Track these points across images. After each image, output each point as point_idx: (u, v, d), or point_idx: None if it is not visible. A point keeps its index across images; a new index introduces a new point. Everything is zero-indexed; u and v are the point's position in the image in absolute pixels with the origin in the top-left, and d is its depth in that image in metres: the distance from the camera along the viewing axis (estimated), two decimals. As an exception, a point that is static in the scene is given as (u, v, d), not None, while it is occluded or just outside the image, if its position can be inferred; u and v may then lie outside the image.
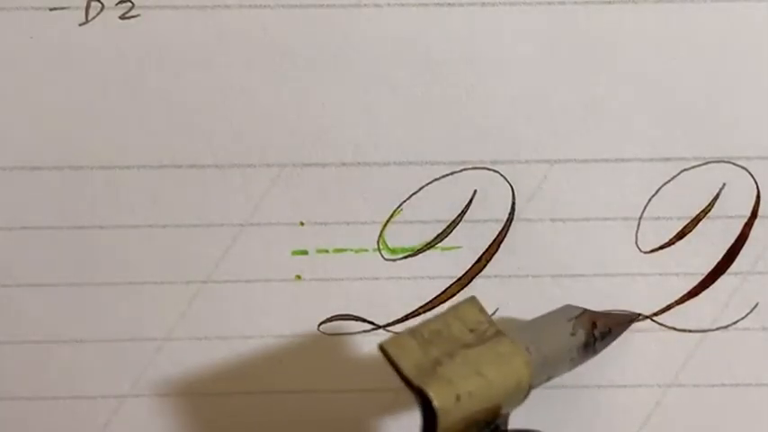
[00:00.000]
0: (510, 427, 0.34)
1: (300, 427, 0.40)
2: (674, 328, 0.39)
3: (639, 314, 0.39)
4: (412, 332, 0.33)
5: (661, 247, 0.39)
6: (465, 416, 0.32)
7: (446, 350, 0.33)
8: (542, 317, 0.37)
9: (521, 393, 0.33)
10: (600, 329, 0.36)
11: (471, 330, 0.34)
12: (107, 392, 0.39)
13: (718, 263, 0.39)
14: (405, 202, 0.39)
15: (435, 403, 0.31)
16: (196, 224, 0.39)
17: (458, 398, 0.32)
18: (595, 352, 0.37)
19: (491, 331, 0.34)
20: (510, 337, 0.34)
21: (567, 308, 0.37)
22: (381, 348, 0.32)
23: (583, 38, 0.38)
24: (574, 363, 0.36)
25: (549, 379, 0.35)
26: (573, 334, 0.36)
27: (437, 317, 0.34)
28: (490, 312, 0.39)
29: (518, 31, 0.38)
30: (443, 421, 0.31)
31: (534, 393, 0.37)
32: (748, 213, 0.39)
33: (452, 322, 0.34)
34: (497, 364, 0.33)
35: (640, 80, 0.38)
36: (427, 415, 0.32)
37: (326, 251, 0.39)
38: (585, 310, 0.37)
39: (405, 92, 0.38)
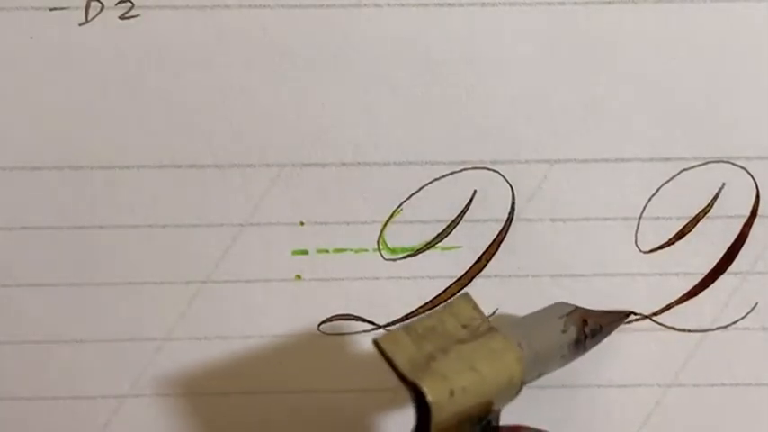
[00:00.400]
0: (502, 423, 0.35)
1: (300, 426, 0.40)
2: (674, 328, 0.39)
3: (631, 312, 0.39)
4: (406, 328, 0.33)
5: (661, 247, 0.39)
6: (458, 411, 0.32)
7: (440, 346, 0.33)
8: (534, 314, 0.37)
9: (513, 389, 0.34)
10: (591, 327, 0.37)
11: (464, 326, 0.34)
12: (107, 392, 0.39)
13: (718, 263, 0.39)
14: (405, 202, 0.39)
15: (429, 398, 0.31)
16: (196, 224, 0.39)
17: (451, 393, 0.32)
18: (586, 349, 0.37)
19: (484, 327, 0.34)
20: (502, 333, 0.34)
21: (559, 305, 0.37)
22: (376, 344, 0.33)
23: (583, 38, 0.38)
24: (565, 359, 0.36)
25: (540, 375, 0.35)
26: (564, 331, 0.36)
27: (431, 313, 0.34)
28: (490, 312, 0.39)
29: (518, 31, 0.38)
30: (437, 416, 0.32)
31: (534, 393, 0.38)
32: (748, 213, 0.39)
33: (446, 318, 0.34)
34: (490, 359, 0.33)
35: (640, 80, 0.38)
36: (421, 410, 0.32)
37: (326, 251, 0.39)
38: (577, 308, 0.37)
39: (405, 92, 0.38)
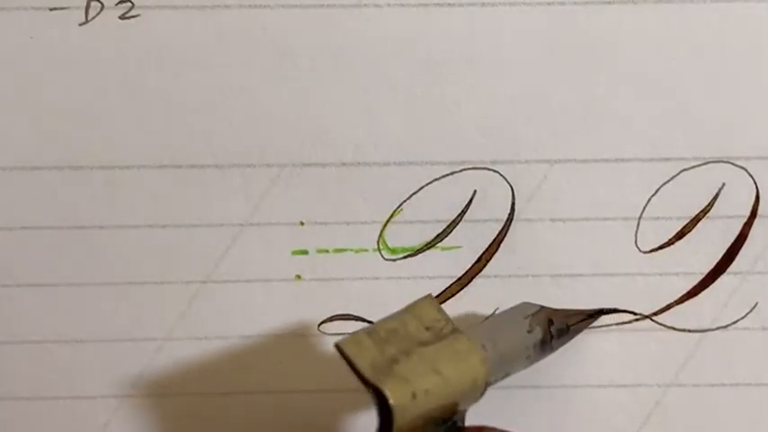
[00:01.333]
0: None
1: (300, 427, 0.40)
2: (674, 328, 0.39)
3: (601, 310, 0.39)
4: (368, 331, 0.33)
5: (661, 247, 0.39)
6: (421, 413, 0.32)
7: (402, 348, 0.33)
8: (499, 314, 0.37)
9: (477, 391, 0.34)
10: (557, 326, 0.36)
11: (428, 328, 0.34)
12: (107, 392, 0.39)
13: (718, 263, 0.39)
14: (405, 202, 0.39)
15: (391, 401, 0.31)
16: (196, 224, 0.39)
17: (414, 395, 0.32)
18: (552, 349, 0.36)
19: (447, 329, 0.34)
20: (466, 334, 0.34)
21: (525, 305, 0.37)
22: (338, 348, 0.33)
23: (583, 38, 0.38)
24: (530, 360, 0.36)
25: (506, 376, 0.35)
26: (530, 331, 0.36)
27: (394, 315, 0.34)
28: (490, 313, 0.39)
29: (518, 31, 0.38)
30: (399, 419, 0.32)
31: (533, 393, 0.37)
32: (747, 213, 0.39)
33: (409, 321, 0.34)
34: (454, 361, 0.33)
35: (640, 80, 0.38)
36: (383, 413, 0.32)
37: (326, 251, 0.39)
38: (542, 308, 0.37)
39: (405, 92, 0.38)
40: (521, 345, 0.35)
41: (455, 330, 0.34)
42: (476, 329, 0.35)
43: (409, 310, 0.34)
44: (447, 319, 0.34)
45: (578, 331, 0.37)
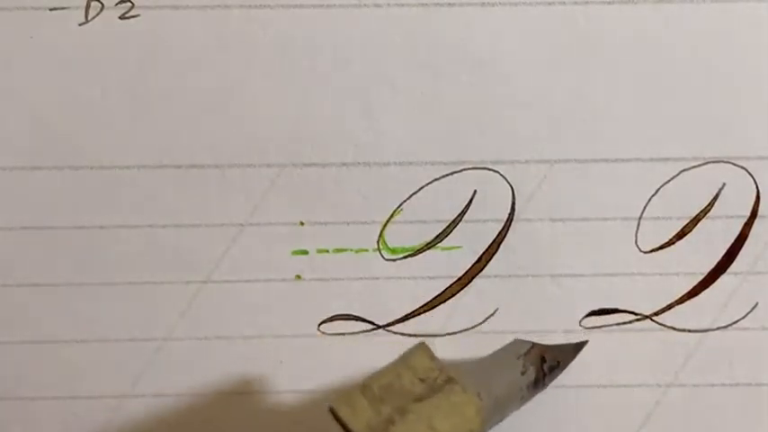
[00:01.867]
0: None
1: (300, 427, 0.40)
2: (674, 328, 0.39)
3: (586, 341, 0.39)
4: (363, 388, 0.33)
5: (661, 247, 0.39)
6: None
7: (398, 406, 0.33)
8: (492, 355, 0.36)
9: None
10: (549, 363, 0.36)
11: (422, 380, 0.33)
12: (107, 392, 0.39)
13: (718, 263, 0.39)
14: (405, 202, 0.39)
15: None
16: (196, 224, 0.39)
17: None
18: (544, 386, 0.36)
19: (442, 379, 0.33)
20: (461, 383, 0.33)
21: (516, 343, 0.37)
22: (332, 410, 0.32)
23: (583, 38, 0.38)
24: (524, 401, 0.36)
25: (500, 421, 0.35)
26: (523, 372, 0.36)
27: (387, 368, 0.34)
28: (490, 312, 0.39)
29: (518, 31, 0.38)
30: None
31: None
32: (748, 213, 0.39)
33: (403, 373, 0.33)
34: (450, 416, 0.33)
35: (640, 80, 0.38)
36: None
37: (326, 251, 0.39)
38: (534, 345, 0.36)
39: (405, 92, 0.38)
40: (515, 387, 0.35)
41: (450, 380, 0.33)
42: (470, 376, 0.34)
43: (403, 360, 0.34)
44: (441, 367, 0.34)
45: (567, 365, 0.37)
